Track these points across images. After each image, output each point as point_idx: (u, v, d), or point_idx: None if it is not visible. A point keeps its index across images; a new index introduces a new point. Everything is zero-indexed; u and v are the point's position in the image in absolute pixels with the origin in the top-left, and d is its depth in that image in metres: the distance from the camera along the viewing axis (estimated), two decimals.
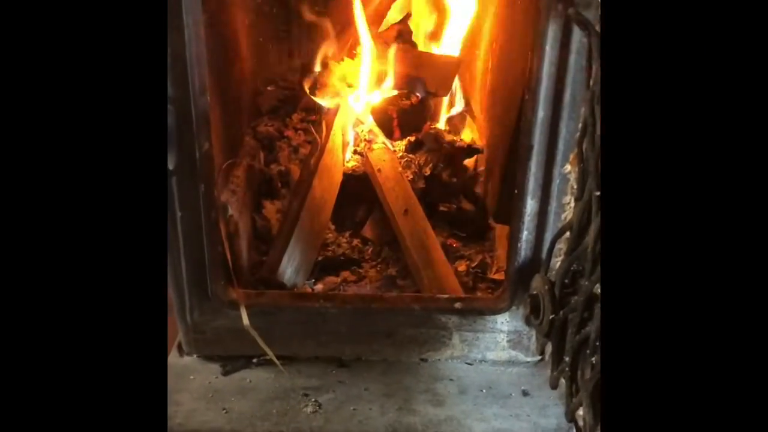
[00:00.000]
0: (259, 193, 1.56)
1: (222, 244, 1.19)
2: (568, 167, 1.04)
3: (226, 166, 1.33)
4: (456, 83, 1.69)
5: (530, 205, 1.11)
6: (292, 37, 1.88)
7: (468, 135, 1.69)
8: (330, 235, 1.54)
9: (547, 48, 1.01)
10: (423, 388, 1.20)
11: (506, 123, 1.27)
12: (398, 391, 1.19)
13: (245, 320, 1.17)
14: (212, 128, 1.12)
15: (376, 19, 1.61)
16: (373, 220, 1.54)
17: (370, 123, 1.59)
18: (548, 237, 1.12)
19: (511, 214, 1.16)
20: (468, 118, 1.75)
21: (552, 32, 1.00)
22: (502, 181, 1.29)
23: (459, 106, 1.75)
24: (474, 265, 1.45)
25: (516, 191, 1.12)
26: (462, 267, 1.45)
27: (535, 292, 0.99)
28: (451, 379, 1.22)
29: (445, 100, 1.72)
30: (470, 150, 1.58)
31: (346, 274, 1.44)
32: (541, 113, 1.05)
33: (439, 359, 1.25)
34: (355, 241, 1.53)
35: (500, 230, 1.48)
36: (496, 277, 1.40)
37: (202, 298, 1.18)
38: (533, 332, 1.22)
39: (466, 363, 1.25)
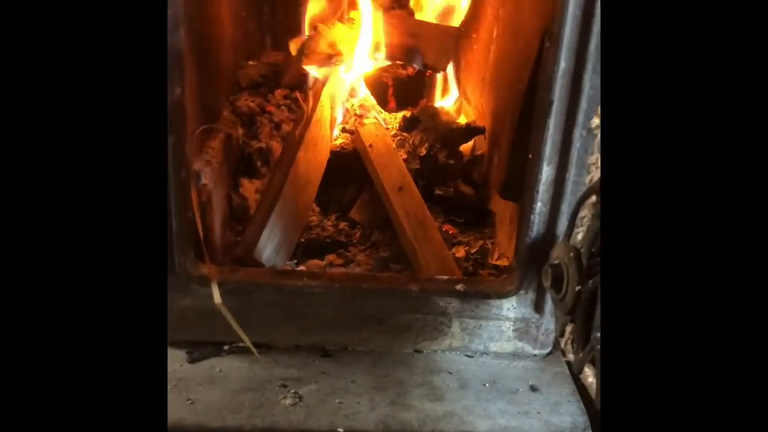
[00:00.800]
0: (237, 170, 1.42)
1: (192, 211, 1.04)
2: (596, 121, 0.92)
3: (200, 131, 1.19)
4: (450, 71, 1.57)
5: (546, 172, 0.99)
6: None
7: (464, 120, 1.56)
8: (314, 218, 1.40)
9: None
10: (418, 382, 1.05)
11: (516, 85, 1.15)
12: (390, 384, 1.04)
13: (217, 298, 1.02)
14: (186, 81, 0.99)
15: None
16: (363, 201, 1.40)
17: (362, 95, 1.45)
18: (565, 209, 1.00)
19: (523, 183, 1.03)
20: (464, 105, 1.63)
21: None
22: (511, 150, 1.16)
23: (454, 94, 1.64)
24: (473, 251, 1.31)
25: (530, 156, 1.00)
26: (460, 253, 1.31)
27: (557, 262, 0.86)
28: (449, 372, 1.08)
29: (439, 81, 1.60)
30: (470, 130, 1.45)
31: (331, 257, 1.29)
32: (563, 64, 0.93)
33: (435, 350, 1.11)
34: (342, 225, 1.39)
35: (501, 215, 1.35)
36: (499, 263, 1.27)
37: (168, 272, 1.02)
38: (542, 321, 1.09)
39: (466, 355, 1.11)
